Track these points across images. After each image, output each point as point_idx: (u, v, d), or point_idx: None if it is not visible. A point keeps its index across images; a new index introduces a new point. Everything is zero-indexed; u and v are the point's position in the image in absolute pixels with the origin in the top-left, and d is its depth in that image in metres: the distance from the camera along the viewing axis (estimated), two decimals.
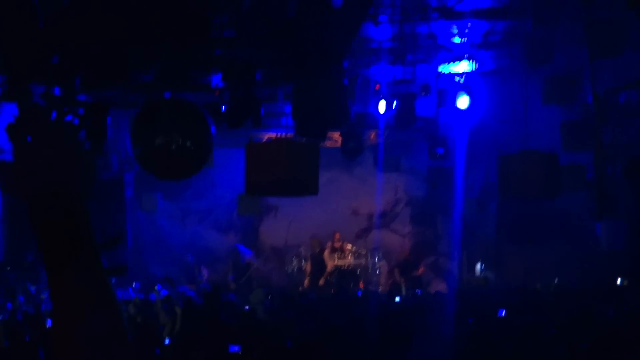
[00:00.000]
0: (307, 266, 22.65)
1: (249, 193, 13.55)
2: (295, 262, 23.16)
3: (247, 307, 13.95)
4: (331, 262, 22.17)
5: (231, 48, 14.83)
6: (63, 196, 1.63)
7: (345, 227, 23.66)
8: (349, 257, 22.66)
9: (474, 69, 18.50)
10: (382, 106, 18.11)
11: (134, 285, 19.08)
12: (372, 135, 22.21)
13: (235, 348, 8.74)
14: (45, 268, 1.63)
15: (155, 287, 16.72)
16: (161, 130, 13.25)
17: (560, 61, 16.50)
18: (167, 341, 10.53)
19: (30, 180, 1.61)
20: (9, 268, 18.90)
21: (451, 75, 19.07)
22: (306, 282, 22.03)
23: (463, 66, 18.52)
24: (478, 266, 22.24)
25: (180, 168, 13.81)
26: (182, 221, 25.22)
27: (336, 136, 21.61)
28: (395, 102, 18.05)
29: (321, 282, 21.67)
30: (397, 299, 16.14)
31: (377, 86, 18.33)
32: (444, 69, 18.59)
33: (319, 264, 22.24)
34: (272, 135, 19.35)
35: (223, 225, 25.22)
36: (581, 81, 16.38)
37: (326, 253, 22.37)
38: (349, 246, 22.96)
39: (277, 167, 12.76)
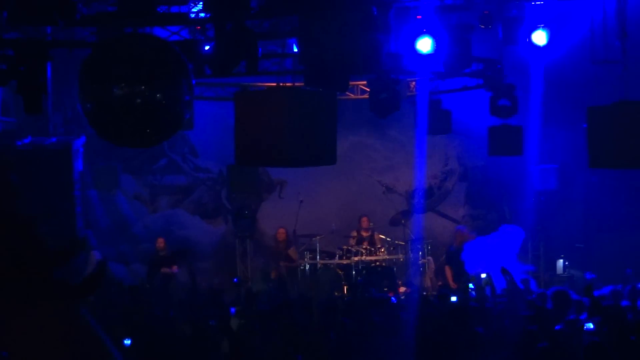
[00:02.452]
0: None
1: (240, 163, 13.55)
2: (307, 259, 23.23)
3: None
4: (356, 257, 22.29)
5: None
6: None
7: (376, 210, 23.75)
8: (382, 250, 22.73)
9: None
10: (425, 44, 18.06)
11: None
12: (412, 84, 22.20)
13: None
14: None
15: None
16: (121, 78, 13.33)
17: None
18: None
19: None
20: None
21: (523, 1, 19.06)
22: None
23: None
24: (560, 262, 22.27)
25: (147, 131, 13.90)
26: (151, 204, 25.37)
27: (362, 85, 21.63)
28: (444, 38, 18.02)
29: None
30: (454, 298, 16.23)
31: (419, 16, 18.31)
32: None
33: None
34: (273, 85, 19.40)
35: (208, 209, 25.35)
36: None
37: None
38: (381, 236, 23.03)
39: (278, 127, 12.76)
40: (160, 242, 22.51)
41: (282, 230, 23.31)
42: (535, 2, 19.03)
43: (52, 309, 1.62)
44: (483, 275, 18.39)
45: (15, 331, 1.63)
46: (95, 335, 1.67)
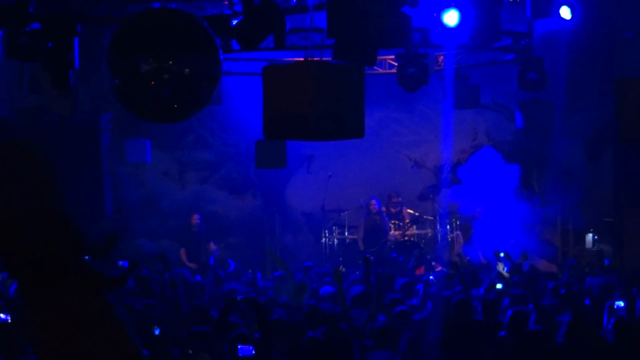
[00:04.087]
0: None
1: (268, 137, 13.53)
2: (335, 234, 23.28)
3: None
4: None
5: None
6: (35, 219, 1.90)
7: (404, 184, 23.75)
8: (411, 226, 22.75)
9: None
10: (453, 17, 18.00)
11: (120, 265, 19.21)
12: (440, 58, 22.16)
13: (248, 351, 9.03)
14: (21, 286, 1.87)
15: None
16: (149, 54, 13.36)
17: None
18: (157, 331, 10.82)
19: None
20: None
21: None
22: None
23: None
24: (589, 237, 22.23)
25: (175, 106, 13.94)
26: (179, 179, 25.43)
27: (390, 60, 21.59)
28: (472, 12, 17.95)
29: None
30: (498, 286, 16.20)
31: None
32: None
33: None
34: (301, 60, 19.40)
35: (237, 185, 25.39)
36: None
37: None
38: (409, 210, 23.04)
39: (306, 100, 12.75)
40: (194, 218, 22.63)
41: None
42: None
43: (81, 294, 1.65)
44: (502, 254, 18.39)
45: (45, 315, 1.65)
46: (119, 322, 1.69)
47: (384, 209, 22.82)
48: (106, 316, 1.67)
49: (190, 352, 9.92)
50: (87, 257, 1.83)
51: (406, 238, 22.47)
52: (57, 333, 1.64)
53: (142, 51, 13.27)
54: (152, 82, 13.12)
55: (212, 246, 22.37)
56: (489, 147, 23.03)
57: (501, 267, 18.05)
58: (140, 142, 23.12)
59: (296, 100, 12.70)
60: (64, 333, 1.64)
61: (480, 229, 21.51)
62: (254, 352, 9.13)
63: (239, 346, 9.15)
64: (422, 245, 22.50)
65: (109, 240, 1.79)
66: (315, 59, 18.35)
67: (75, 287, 1.65)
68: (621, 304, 13.07)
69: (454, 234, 22.94)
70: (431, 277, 16.08)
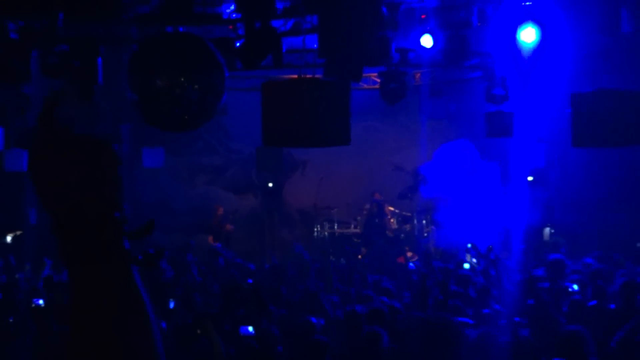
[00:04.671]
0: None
1: (267, 144, 13.58)
2: (326, 228, 23.26)
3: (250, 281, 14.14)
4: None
5: None
6: (92, 207, 1.95)
7: (386, 185, 23.71)
8: (392, 221, 22.74)
9: None
10: (428, 40, 18.00)
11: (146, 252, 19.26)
12: (417, 75, 22.13)
13: (248, 331, 8.99)
14: (67, 265, 1.95)
15: None
16: (163, 71, 13.30)
17: None
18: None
19: (55, 196, 1.96)
20: None
21: (514, 1, 18.93)
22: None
23: None
24: (547, 230, 22.23)
25: (186, 117, 13.88)
26: (190, 181, 25.39)
27: (373, 77, 21.56)
28: (444, 35, 17.95)
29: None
30: (466, 265, 16.33)
31: (423, 15, 18.23)
32: None
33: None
34: (296, 77, 19.36)
35: (240, 186, 25.36)
36: None
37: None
38: (390, 208, 23.02)
39: (300, 112, 12.74)
40: (220, 210, 22.72)
41: None
42: (525, 3, 18.90)
43: (119, 274, 1.66)
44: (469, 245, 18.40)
45: (77, 289, 1.65)
46: (140, 297, 1.68)
47: (367, 206, 22.82)
48: (135, 298, 1.72)
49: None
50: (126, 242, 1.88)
51: (389, 232, 22.50)
52: (93, 309, 1.68)
53: (157, 69, 13.22)
54: (166, 97, 13.07)
55: (229, 226, 22.47)
56: (464, 140, 23.03)
57: (469, 257, 18.08)
58: (155, 149, 23.08)
59: (291, 112, 12.68)
60: (99, 310, 1.68)
61: (451, 222, 21.54)
62: (253, 332, 9.08)
63: (241, 327, 9.12)
64: (401, 237, 22.49)
65: (145, 227, 1.82)
66: (308, 76, 18.34)
67: (116, 267, 1.70)
68: (575, 287, 13.07)
69: (429, 228, 22.94)
70: (410, 265, 16.16)
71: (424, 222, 22.92)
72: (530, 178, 22.63)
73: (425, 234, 22.65)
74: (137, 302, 1.95)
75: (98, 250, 1.90)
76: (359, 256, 21.59)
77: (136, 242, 2.14)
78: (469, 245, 18.47)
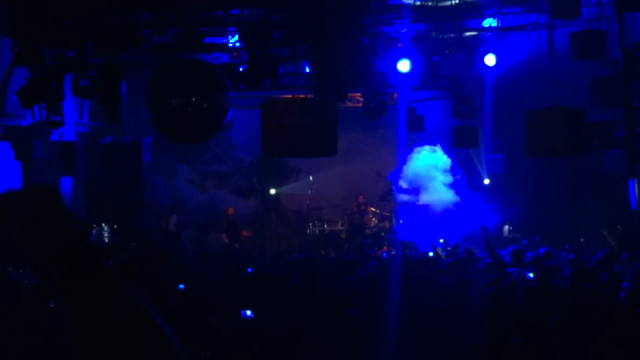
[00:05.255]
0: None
1: (265, 154, 13.76)
2: (317, 226, 23.37)
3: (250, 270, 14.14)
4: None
5: (247, 7, 14.97)
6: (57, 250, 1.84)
7: (369, 189, 23.80)
8: (373, 219, 22.87)
9: (500, 25, 18.56)
10: (404, 65, 18.15)
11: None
12: (395, 95, 22.28)
13: (247, 313, 8.95)
14: (62, 300, 1.83)
15: None
16: (177, 92, 13.48)
17: (587, 15, 16.50)
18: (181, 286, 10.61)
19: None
20: None
21: (477, 32, 19.15)
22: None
23: (489, 22, 18.58)
24: (506, 228, 22.33)
25: (197, 131, 14.04)
26: (201, 186, 25.48)
27: (357, 96, 21.73)
28: (418, 60, 18.11)
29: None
30: (430, 254, 16.42)
31: (399, 44, 18.39)
32: (470, 25, 18.68)
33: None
34: (290, 96, 19.47)
35: (243, 190, 25.43)
36: (609, 35, 16.36)
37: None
38: (372, 208, 23.13)
39: (294, 127, 12.91)
40: (231, 210, 22.66)
41: None
42: (487, 33, 19.12)
43: (101, 285, 1.57)
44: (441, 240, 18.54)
45: (74, 306, 1.57)
46: (141, 309, 1.61)
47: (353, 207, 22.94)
48: (123, 302, 1.61)
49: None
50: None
51: (371, 229, 22.62)
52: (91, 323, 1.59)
53: (172, 90, 13.40)
54: (180, 114, 13.24)
55: (246, 233, 22.48)
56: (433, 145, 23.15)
57: (440, 251, 18.18)
58: (171, 158, 23.22)
59: (287, 127, 12.86)
60: (97, 323, 1.60)
61: (424, 219, 21.70)
62: (253, 314, 9.04)
63: (242, 310, 9.06)
64: (382, 234, 22.56)
65: (115, 245, 1.71)
66: (301, 96, 18.53)
67: (105, 287, 1.60)
68: (531, 275, 13.17)
69: (407, 226, 22.97)
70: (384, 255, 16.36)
71: (400, 221, 23.00)
72: (487, 181, 22.70)
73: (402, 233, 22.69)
74: (135, 311, 1.88)
75: (82, 279, 1.84)
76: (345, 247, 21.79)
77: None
78: (441, 240, 18.62)
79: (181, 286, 10.46)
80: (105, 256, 1.83)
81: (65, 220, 1.78)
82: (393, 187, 23.24)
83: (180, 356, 1.83)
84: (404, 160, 23.06)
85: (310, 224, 23.37)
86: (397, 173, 23.24)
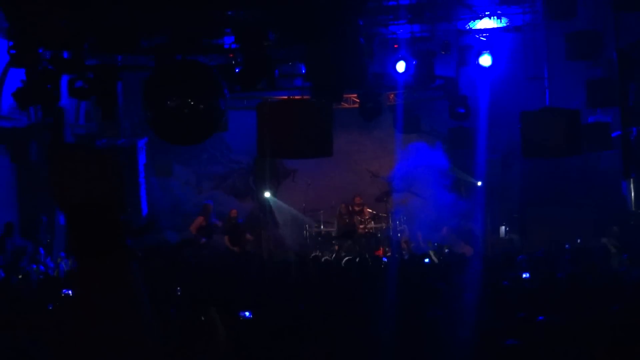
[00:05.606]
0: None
1: (261, 155, 13.74)
2: (314, 227, 23.32)
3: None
4: (360, 225, 22.38)
5: (243, 8, 14.93)
6: (98, 208, 1.94)
7: (365, 190, 23.76)
8: (369, 220, 22.81)
9: (496, 26, 18.56)
10: (400, 66, 18.15)
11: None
12: (391, 96, 22.26)
13: (246, 314, 8.97)
14: (76, 257, 2.01)
15: None
16: (173, 93, 13.44)
17: (583, 16, 16.49)
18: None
19: (68, 195, 2.06)
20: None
21: (472, 33, 19.13)
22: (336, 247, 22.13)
23: (485, 23, 18.57)
24: (502, 229, 22.31)
25: (193, 132, 14.00)
26: (197, 187, 25.44)
27: (353, 97, 21.70)
28: (414, 61, 18.10)
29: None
30: (427, 260, 16.46)
31: (396, 45, 18.37)
32: (466, 26, 18.66)
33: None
34: (286, 98, 19.42)
35: (240, 191, 25.39)
36: (605, 36, 16.35)
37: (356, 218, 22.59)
38: (369, 210, 23.08)
39: (289, 128, 12.89)
40: (234, 212, 22.45)
41: None
42: (482, 35, 19.11)
43: (112, 261, 1.66)
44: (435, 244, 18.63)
45: (83, 279, 1.67)
46: (139, 290, 1.70)
47: (350, 207, 22.87)
48: (128, 280, 1.73)
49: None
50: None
51: (367, 230, 22.53)
52: (95, 297, 1.69)
53: (168, 92, 13.36)
54: (176, 115, 13.20)
55: (249, 237, 22.32)
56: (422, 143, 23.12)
57: (432, 253, 18.23)
58: (167, 159, 23.16)
59: (282, 128, 12.85)
60: (101, 293, 1.69)
61: (420, 221, 21.69)
62: (251, 315, 9.07)
63: (240, 311, 9.10)
64: (378, 235, 22.52)
65: (145, 226, 1.90)
66: (296, 97, 18.49)
67: (117, 260, 1.72)
68: (527, 275, 13.17)
69: (402, 227, 22.95)
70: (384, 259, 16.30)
71: (397, 222, 22.95)
72: (479, 183, 22.63)
73: (399, 234, 22.65)
74: (133, 289, 1.96)
75: (101, 245, 1.94)
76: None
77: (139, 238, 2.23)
78: (435, 244, 18.69)
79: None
80: (133, 234, 1.96)
81: (119, 195, 1.91)
82: (389, 188, 23.20)
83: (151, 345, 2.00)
84: (400, 161, 23.02)
85: (307, 225, 23.31)
86: (393, 174, 23.21)
